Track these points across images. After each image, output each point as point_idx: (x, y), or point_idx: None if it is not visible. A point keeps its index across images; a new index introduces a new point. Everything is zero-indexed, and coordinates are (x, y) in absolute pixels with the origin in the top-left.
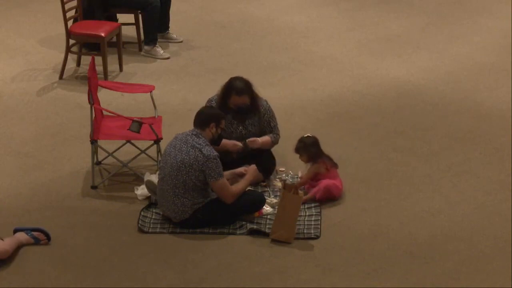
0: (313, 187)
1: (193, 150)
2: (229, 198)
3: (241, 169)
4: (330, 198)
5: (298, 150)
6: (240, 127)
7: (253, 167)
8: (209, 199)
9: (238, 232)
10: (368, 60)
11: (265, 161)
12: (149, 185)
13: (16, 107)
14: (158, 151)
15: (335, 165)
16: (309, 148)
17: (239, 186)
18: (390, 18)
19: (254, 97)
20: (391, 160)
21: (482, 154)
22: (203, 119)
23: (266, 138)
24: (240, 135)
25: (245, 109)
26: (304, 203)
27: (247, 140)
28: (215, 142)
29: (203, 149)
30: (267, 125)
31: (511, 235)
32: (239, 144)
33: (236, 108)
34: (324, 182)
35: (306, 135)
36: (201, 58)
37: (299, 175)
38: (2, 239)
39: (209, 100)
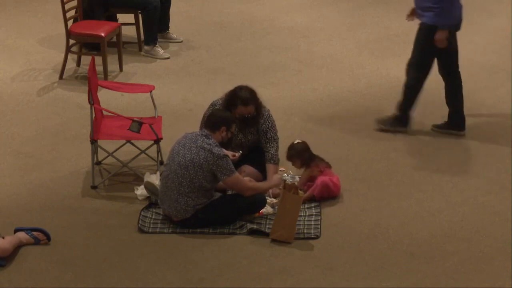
0: (310, 187)
1: (202, 151)
2: (246, 191)
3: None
4: (329, 194)
5: (290, 157)
6: (240, 135)
7: (277, 176)
8: (211, 200)
9: (238, 232)
10: (368, 60)
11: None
12: (148, 186)
13: (16, 107)
14: (158, 151)
15: (328, 166)
16: (301, 154)
17: (259, 184)
18: (390, 18)
19: (258, 107)
20: (391, 160)
21: (482, 154)
22: (214, 122)
23: (272, 168)
24: (239, 143)
25: (250, 118)
26: (304, 202)
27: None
28: (224, 145)
29: (213, 149)
30: (263, 134)
31: (511, 235)
32: (236, 155)
33: (242, 118)
34: (320, 179)
35: (296, 141)
36: (201, 58)
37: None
38: (2, 237)
39: (213, 104)
